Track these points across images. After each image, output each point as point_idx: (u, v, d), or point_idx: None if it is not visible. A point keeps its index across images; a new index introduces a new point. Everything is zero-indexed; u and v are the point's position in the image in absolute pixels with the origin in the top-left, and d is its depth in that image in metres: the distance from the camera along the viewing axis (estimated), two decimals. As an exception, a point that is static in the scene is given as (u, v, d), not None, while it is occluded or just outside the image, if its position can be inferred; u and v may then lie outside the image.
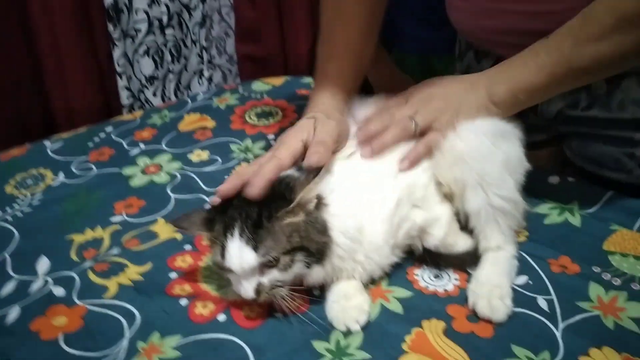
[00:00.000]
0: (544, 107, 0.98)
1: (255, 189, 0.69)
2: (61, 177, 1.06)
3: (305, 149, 0.77)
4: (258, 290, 0.68)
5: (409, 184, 0.78)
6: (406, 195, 0.77)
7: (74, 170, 1.08)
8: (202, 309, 0.74)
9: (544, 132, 1.04)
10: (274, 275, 0.69)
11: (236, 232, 0.67)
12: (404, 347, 0.68)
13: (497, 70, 0.84)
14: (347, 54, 0.93)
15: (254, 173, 0.72)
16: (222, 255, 0.68)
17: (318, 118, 0.82)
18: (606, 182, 0.95)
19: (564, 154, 1.03)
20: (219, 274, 0.75)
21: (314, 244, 0.69)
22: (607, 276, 0.78)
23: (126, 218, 0.95)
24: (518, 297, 0.75)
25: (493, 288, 0.72)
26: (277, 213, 0.68)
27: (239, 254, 0.67)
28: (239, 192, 0.71)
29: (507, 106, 0.83)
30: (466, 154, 0.79)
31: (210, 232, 0.71)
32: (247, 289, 0.68)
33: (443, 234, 0.79)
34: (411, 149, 0.81)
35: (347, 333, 0.70)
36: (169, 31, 1.50)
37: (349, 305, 0.72)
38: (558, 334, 0.70)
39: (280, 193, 0.70)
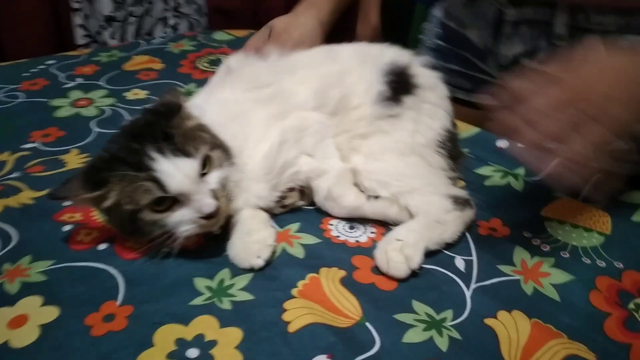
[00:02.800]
0: (502, 48, 0.92)
1: None
2: (-16, 101, 1.00)
3: None
4: (216, 197, 0.62)
5: (296, 127, 0.73)
6: (293, 138, 0.73)
7: (0, 97, 1.02)
8: (84, 237, 0.68)
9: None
10: (215, 175, 0.63)
11: (157, 155, 0.60)
12: (294, 292, 0.62)
13: None
14: None
15: None
16: (158, 186, 0.59)
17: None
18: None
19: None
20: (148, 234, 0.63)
21: (219, 140, 0.66)
22: (536, 242, 0.71)
23: (38, 146, 0.88)
24: (435, 256, 0.68)
25: (394, 242, 0.66)
26: (172, 122, 0.63)
27: (176, 169, 0.60)
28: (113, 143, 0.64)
29: None
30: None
31: (94, 191, 0.61)
32: (206, 200, 0.61)
33: (327, 186, 0.72)
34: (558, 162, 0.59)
35: (250, 271, 0.64)
36: (131, -30, 1.43)
37: (250, 240, 0.66)
38: (468, 294, 0.63)
39: (158, 113, 0.64)
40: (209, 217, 0.61)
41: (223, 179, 0.64)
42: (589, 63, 0.61)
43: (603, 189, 0.72)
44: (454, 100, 0.85)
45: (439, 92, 0.82)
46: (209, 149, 0.64)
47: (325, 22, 0.92)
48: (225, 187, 0.64)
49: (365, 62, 0.81)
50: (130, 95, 1.05)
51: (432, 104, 0.80)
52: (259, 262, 0.64)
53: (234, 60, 0.85)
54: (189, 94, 1.06)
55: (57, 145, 0.89)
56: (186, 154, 0.61)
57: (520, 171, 0.85)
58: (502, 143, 0.90)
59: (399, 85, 0.79)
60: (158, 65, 1.18)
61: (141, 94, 1.06)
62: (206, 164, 0.63)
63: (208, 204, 0.61)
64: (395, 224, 0.72)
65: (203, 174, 0.62)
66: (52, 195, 0.64)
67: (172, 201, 0.61)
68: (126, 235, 0.66)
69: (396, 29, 1.25)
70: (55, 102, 1.02)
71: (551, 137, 0.57)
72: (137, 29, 1.50)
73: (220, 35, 1.34)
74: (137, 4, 1.47)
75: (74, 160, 0.85)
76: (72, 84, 1.08)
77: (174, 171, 0.59)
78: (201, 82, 1.09)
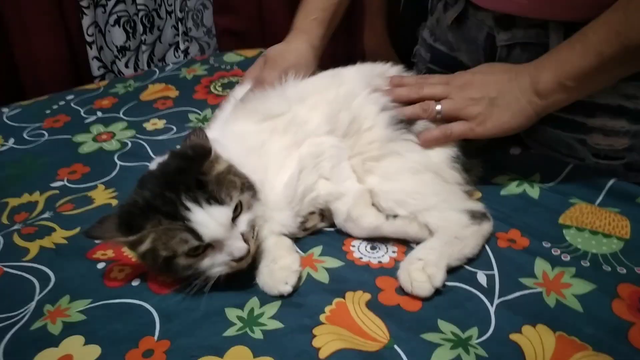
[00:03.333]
0: None
1: None
2: (11, 142, 1.04)
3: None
4: (245, 239, 0.64)
5: (313, 153, 0.75)
6: (311, 165, 0.75)
7: (25, 136, 1.06)
8: (118, 273, 0.71)
9: None
10: (245, 218, 0.66)
11: (192, 205, 0.62)
12: (322, 318, 0.64)
13: (543, 57, 0.77)
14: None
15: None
16: (193, 235, 0.61)
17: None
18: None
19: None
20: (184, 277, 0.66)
21: (247, 181, 0.69)
22: (556, 252, 0.72)
23: (66, 184, 0.92)
24: (457, 272, 0.70)
25: (416, 261, 0.67)
26: (203, 168, 0.65)
27: (210, 217, 0.62)
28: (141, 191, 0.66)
29: (552, 96, 0.75)
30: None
31: (129, 236, 0.64)
32: (237, 244, 0.63)
33: (346, 209, 0.74)
34: (427, 129, 0.80)
35: (277, 298, 0.66)
36: (140, 0, 1.46)
37: (276, 267, 0.68)
38: (492, 310, 0.64)
39: (189, 158, 0.67)
40: (239, 259, 0.64)
41: (251, 220, 0.66)
42: (474, 71, 0.82)
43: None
44: None
45: None
46: (240, 193, 0.66)
47: (317, 47, 0.94)
48: (253, 229, 0.67)
49: (370, 84, 0.83)
50: (149, 125, 1.08)
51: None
52: (287, 289, 0.66)
53: (239, 92, 0.88)
54: (206, 120, 1.09)
55: (83, 182, 0.92)
56: (220, 202, 0.63)
57: (535, 177, 0.86)
58: (514, 150, 0.92)
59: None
60: (173, 92, 1.20)
61: (159, 123, 1.08)
62: (237, 208, 0.65)
63: (239, 248, 0.63)
64: (416, 241, 0.74)
65: (234, 218, 0.64)
66: (87, 234, 0.66)
67: (206, 247, 0.63)
68: (157, 274, 0.68)
69: (404, 36, 1.26)
70: (78, 137, 1.04)
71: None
72: (150, 55, 1.53)
73: (230, 57, 1.36)
74: (148, 32, 1.51)
75: (101, 196, 0.87)
76: (92, 118, 1.11)
77: (209, 221, 0.62)
78: (216, 108, 1.11)
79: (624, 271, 0.69)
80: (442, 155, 0.79)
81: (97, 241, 0.75)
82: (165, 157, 0.70)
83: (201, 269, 0.64)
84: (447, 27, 1.00)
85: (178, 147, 0.75)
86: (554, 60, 0.76)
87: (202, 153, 0.66)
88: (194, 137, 0.70)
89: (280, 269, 0.68)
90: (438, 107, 0.80)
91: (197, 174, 0.64)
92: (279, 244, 0.72)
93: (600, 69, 0.72)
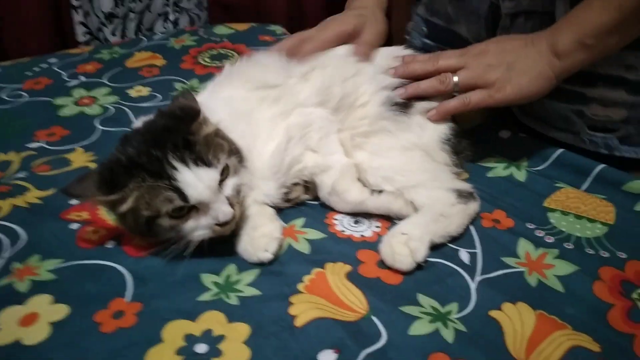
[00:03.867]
0: None
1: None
2: (-12, 102, 1.01)
3: (347, 40, 0.84)
4: (231, 204, 0.63)
5: (301, 124, 0.74)
6: (298, 135, 0.73)
7: (3, 96, 1.03)
8: (92, 235, 0.69)
9: None
10: (231, 182, 0.64)
11: (178, 163, 0.60)
12: (300, 287, 0.62)
13: (559, 22, 0.76)
14: None
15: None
16: (178, 194, 0.59)
17: (368, 17, 0.87)
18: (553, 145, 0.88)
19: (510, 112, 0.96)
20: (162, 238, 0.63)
21: (234, 146, 0.67)
22: (540, 233, 0.72)
23: (44, 145, 0.89)
24: (440, 249, 0.69)
25: (400, 235, 0.66)
26: (191, 128, 0.63)
27: (197, 178, 0.60)
28: (125, 146, 0.63)
29: (572, 56, 0.74)
30: None
31: (110, 195, 0.61)
32: (223, 208, 0.62)
33: (331, 182, 0.73)
34: (445, 101, 0.78)
35: (256, 266, 0.65)
36: (129, -34, 1.43)
37: (257, 234, 0.66)
38: (473, 287, 0.63)
39: (177, 117, 0.64)
40: (224, 224, 0.62)
41: (238, 185, 0.65)
42: (488, 42, 0.80)
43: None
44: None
45: None
46: (227, 157, 0.64)
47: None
48: (239, 193, 0.65)
49: (379, 64, 0.82)
50: (134, 92, 1.05)
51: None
52: (267, 256, 0.65)
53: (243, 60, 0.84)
54: (192, 90, 1.06)
55: (62, 145, 0.89)
56: (207, 163, 0.61)
57: (523, 161, 0.85)
58: (504, 133, 0.91)
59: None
60: (160, 61, 1.18)
61: (144, 91, 1.06)
62: (224, 172, 0.63)
63: (225, 212, 0.62)
64: (399, 218, 0.72)
65: (220, 182, 0.63)
66: (65, 192, 0.63)
67: (190, 208, 0.61)
68: (137, 235, 0.66)
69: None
70: (59, 101, 1.02)
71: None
72: (138, 25, 1.50)
73: (221, 30, 1.33)
74: (137, 0, 1.47)
75: (80, 159, 0.85)
76: (74, 82, 1.09)
77: (196, 182, 0.60)
78: (203, 78, 1.09)
79: (607, 255, 0.68)
80: (434, 136, 0.78)
81: (74, 200, 0.73)
82: (151, 116, 0.67)
83: (184, 231, 0.62)
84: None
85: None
86: (571, 22, 0.75)
87: (190, 114, 0.65)
88: (182, 99, 0.68)
89: (261, 236, 0.66)
90: (455, 78, 0.77)
91: (185, 133, 0.62)
92: (261, 212, 0.70)
93: (620, 24, 0.72)
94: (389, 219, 0.74)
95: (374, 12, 0.89)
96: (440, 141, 0.78)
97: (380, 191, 0.74)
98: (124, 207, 0.61)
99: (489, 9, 0.91)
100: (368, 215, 0.74)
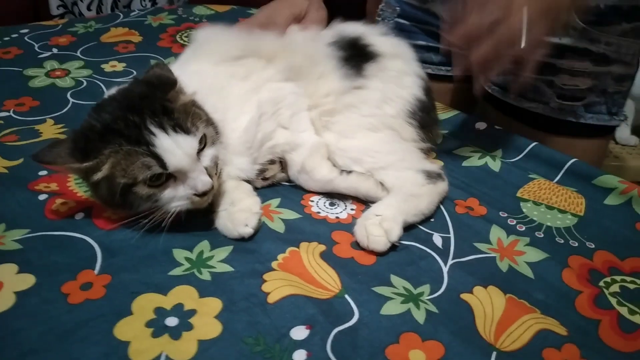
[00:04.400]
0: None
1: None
2: (-46, 69, 0.97)
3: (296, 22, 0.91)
4: (209, 174, 0.62)
5: (272, 99, 0.74)
6: (271, 111, 0.73)
7: (-29, 64, 0.99)
8: (60, 206, 0.67)
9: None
10: (209, 152, 0.63)
11: (156, 129, 0.58)
12: (274, 264, 0.62)
13: None
14: None
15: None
16: (157, 161, 0.58)
17: (311, 2, 0.94)
18: (524, 117, 0.96)
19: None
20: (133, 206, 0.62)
21: (211, 119, 0.66)
22: (512, 222, 0.73)
23: (12, 115, 0.86)
24: (414, 232, 0.69)
25: (373, 217, 0.66)
26: (168, 96, 0.62)
27: (176, 145, 0.58)
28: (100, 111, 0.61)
29: None
30: None
31: (84, 162, 0.59)
32: (202, 177, 0.61)
33: (301, 160, 0.73)
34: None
35: (229, 243, 0.64)
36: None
37: (236, 209, 0.66)
38: (445, 270, 0.64)
39: (154, 85, 0.63)
40: (202, 194, 0.61)
41: (215, 156, 0.64)
42: None
43: (515, 80, 0.88)
44: None
45: (405, 60, 0.83)
46: (205, 126, 0.63)
47: None
48: (216, 165, 0.64)
49: (316, 38, 0.82)
50: (108, 67, 1.03)
51: (397, 71, 0.80)
52: (247, 230, 0.64)
53: (203, 33, 0.84)
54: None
55: (32, 115, 0.87)
56: (186, 131, 0.60)
57: (498, 152, 0.86)
58: (480, 125, 0.92)
59: (357, 53, 0.79)
60: (137, 38, 1.16)
61: (119, 66, 1.04)
62: (201, 141, 0.62)
63: (204, 181, 0.61)
64: (367, 199, 0.73)
65: (198, 151, 0.61)
66: (36, 158, 0.60)
67: (167, 177, 0.60)
68: (110, 207, 0.65)
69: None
70: (30, 71, 0.99)
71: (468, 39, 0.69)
72: (115, 1, 1.46)
73: (200, 10, 1.32)
74: (115, -25, 1.44)
75: (50, 130, 0.83)
76: (47, 54, 1.06)
77: (175, 149, 0.58)
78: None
79: (576, 244, 0.70)
80: (398, 107, 0.78)
81: (44, 170, 0.70)
82: (125, 85, 0.66)
83: (161, 201, 0.60)
84: None
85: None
86: None
87: (167, 82, 0.63)
88: (157, 69, 0.66)
89: (240, 210, 0.66)
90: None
91: (164, 100, 0.61)
92: (239, 187, 0.70)
93: None
94: (365, 203, 0.74)
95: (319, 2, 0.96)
96: (406, 114, 0.78)
97: (350, 171, 0.74)
98: (99, 175, 0.59)
99: None
100: (344, 198, 0.74)
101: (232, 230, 0.64)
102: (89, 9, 1.40)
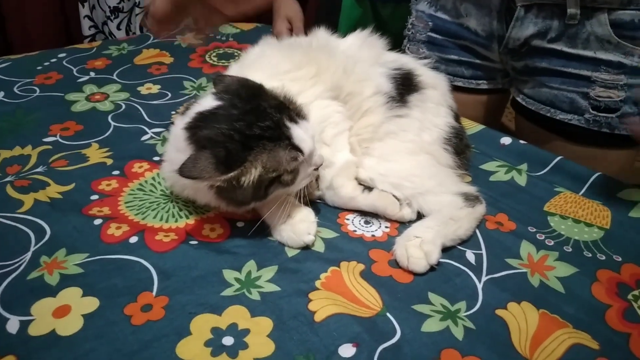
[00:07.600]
0: (514, 31, 0.97)
1: None
2: (0, 95, 1.02)
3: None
4: None
5: (319, 118, 0.77)
6: (318, 130, 0.76)
7: (15, 91, 1.04)
8: (115, 230, 0.71)
9: (494, 78, 1.08)
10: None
11: (290, 123, 0.67)
12: (317, 284, 0.65)
13: None
14: None
15: None
16: (298, 151, 0.67)
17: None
18: (557, 128, 0.99)
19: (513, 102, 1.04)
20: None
21: None
22: (541, 236, 0.76)
23: (59, 140, 0.91)
24: (447, 250, 0.72)
25: (414, 238, 0.70)
26: (269, 94, 0.70)
27: (305, 132, 0.68)
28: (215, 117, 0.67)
29: None
30: None
31: (229, 172, 0.64)
32: (318, 153, 0.71)
33: (330, 177, 0.77)
34: None
35: (274, 263, 0.68)
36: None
37: (295, 221, 0.71)
38: (479, 286, 0.67)
39: (254, 88, 0.71)
40: (317, 168, 0.71)
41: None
42: None
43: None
44: (454, 88, 0.91)
45: (442, 90, 0.87)
46: None
47: None
48: None
49: (368, 58, 0.85)
50: (144, 90, 1.07)
51: (435, 102, 0.84)
52: (310, 238, 0.70)
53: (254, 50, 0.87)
54: (201, 89, 1.09)
55: (77, 140, 0.91)
56: (303, 116, 0.69)
57: (523, 166, 0.89)
58: (505, 139, 0.95)
59: (406, 86, 0.83)
60: (168, 59, 1.20)
61: (154, 88, 1.08)
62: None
63: (320, 156, 0.71)
64: (386, 217, 0.76)
65: None
66: (182, 174, 0.64)
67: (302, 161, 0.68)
68: (242, 206, 0.70)
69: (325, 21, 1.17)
70: (71, 96, 1.03)
71: None
72: (144, 19, 1.51)
73: (226, 29, 1.35)
74: (143, -5, 1.48)
75: (96, 154, 0.87)
76: (85, 77, 1.10)
77: (305, 136, 0.67)
78: (211, 77, 1.11)
79: (603, 258, 0.73)
80: (435, 135, 0.82)
81: (95, 196, 0.75)
82: (204, 105, 0.70)
83: (296, 181, 0.69)
84: None
85: (213, 91, 0.73)
86: None
87: (256, 85, 0.70)
88: (229, 78, 0.72)
89: (300, 221, 0.71)
90: None
91: (273, 99, 0.68)
92: (288, 200, 0.73)
93: None
94: (398, 221, 0.77)
95: None
96: (442, 140, 0.82)
97: (372, 189, 0.77)
98: (249, 178, 0.65)
99: (502, 2, 0.97)
100: (378, 216, 0.77)
101: (298, 240, 0.70)
102: (118, 28, 1.45)
